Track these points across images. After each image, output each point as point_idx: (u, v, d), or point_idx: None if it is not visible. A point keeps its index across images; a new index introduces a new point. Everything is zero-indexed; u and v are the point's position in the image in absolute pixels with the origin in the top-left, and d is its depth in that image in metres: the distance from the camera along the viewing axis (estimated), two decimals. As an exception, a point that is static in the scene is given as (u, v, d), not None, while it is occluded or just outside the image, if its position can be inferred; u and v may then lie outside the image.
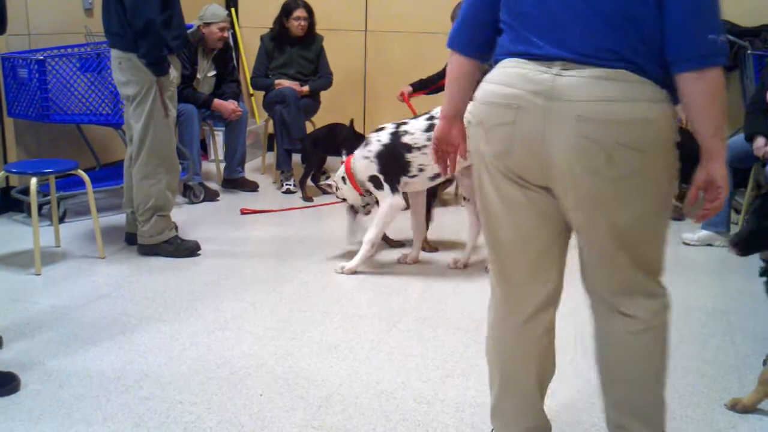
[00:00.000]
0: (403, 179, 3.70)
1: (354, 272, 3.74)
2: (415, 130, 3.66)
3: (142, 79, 3.64)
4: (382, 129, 3.78)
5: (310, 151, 5.13)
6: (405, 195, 3.84)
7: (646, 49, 1.69)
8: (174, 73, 3.76)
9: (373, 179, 3.74)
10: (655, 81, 1.70)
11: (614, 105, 1.69)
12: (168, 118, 3.71)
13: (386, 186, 3.71)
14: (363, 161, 3.75)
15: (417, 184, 3.74)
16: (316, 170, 5.24)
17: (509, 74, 1.79)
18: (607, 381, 2.01)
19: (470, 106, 1.91)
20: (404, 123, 3.73)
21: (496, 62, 1.87)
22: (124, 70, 3.67)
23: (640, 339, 1.90)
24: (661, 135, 1.73)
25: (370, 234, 3.73)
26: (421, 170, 3.66)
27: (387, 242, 4.20)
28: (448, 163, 2.14)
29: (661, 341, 1.93)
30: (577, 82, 1.70)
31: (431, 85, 5.04)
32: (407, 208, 3.92)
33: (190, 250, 3.95)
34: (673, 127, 1.75)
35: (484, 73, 1.93)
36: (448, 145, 2.09)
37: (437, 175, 3.69)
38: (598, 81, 1.69)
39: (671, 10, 1.65)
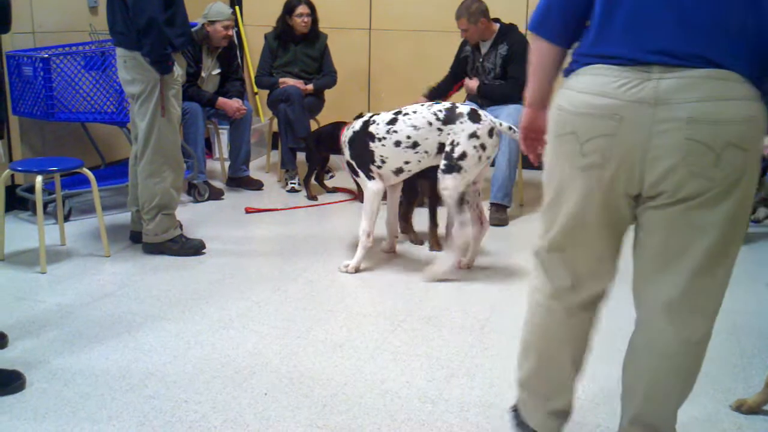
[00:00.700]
0: (373, 168, 3.75)
1: (357, 270, 3.75)
2: (380, 121, 3.71)
3: (147, 78, 3.64)
4: (360, 116, 3.87)
5: (313, 150, 5.13)
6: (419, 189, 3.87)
7: (746, 55, 1.70)
8: (179, 71, 3.76)
9: (348, 165, 3.86)
10: (750, 80, 1.72)
11: (723, 104, 1.69)
12: (165, 117, 3.71)
13: (360, 173, 3.80)
14: (344, 147, 3.88)
15: (384, 176, 3.77)
16: (319, 169, 5.24)
17: (604, 83, 1.76)
18: (630, 393, 2.03)
19: (555, 114, 1.88)
20: (377, 114, 3.79)
21: (578, 62, 1.84)
22: (129, 69, 3.68)
23: (677, 360, 1.92)
24: (761, 133, 1.74)
25: (362, 224, 3.76)
26: (383, 161, 3.70)
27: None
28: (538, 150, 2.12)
29: (695, 367, 1.96)
30: (682, 83, 1.69)
31: (447, 92, 5.03)
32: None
33: (195, 248, 3.96)
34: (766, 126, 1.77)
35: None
36: (536, 132, 2.08)
37: (399, 170, 3.72)
38: (701, 81, 1.69)
39: None
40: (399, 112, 3.72)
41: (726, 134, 1.69)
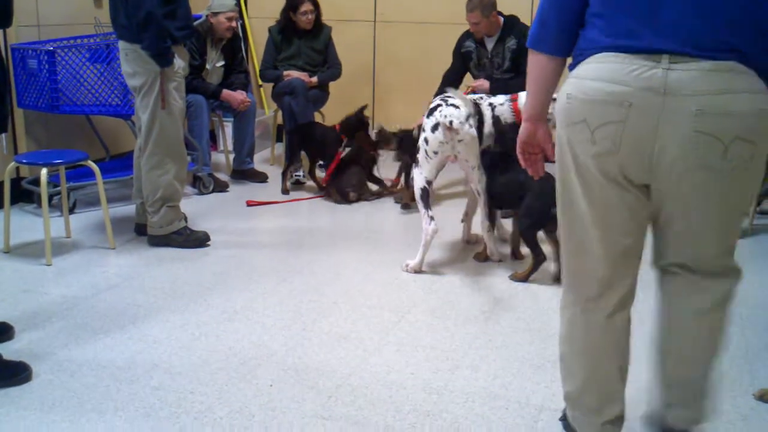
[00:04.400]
0: None
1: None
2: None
3: (148, 70, 3.64)
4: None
5: (294, 144, 5.08)
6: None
7: (762, 43, 1.70)
8: (181, 64, 3.75)
9: None
10: (758, 72, 1.72)
11: (732, 97, 1.69)
12: (166, 109, 3.71)
13: None
14: None
15: None
16: (311, 165, 5.18)
17: (614, 70, 1.75)
18: (666, 365, 2.03)
19: (564, 103, 1.86)
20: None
21: (582, 55, 1.83)
22: (131, 62, 3.68)
23: (706, 320, 1.94)
24: None
25: None
26: None
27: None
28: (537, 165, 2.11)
29: (724, 325, 1.98)
30: (691, 75, 1.69)
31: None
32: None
33: (200, 240, 3.96)
34: None
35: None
36: (534, 147, 2.06)
37: None
38: (712, 74, 1.69)
39: None
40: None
41: (735, 127, 1.69)
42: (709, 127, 1.69)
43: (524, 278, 3.53)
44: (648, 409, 2.15)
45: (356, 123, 4.91)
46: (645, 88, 1.72)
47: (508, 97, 3.92)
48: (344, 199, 4.82)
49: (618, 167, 1.81)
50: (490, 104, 3.88)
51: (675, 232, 1.89)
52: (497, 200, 3.77)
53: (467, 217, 4.08)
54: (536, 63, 1.94)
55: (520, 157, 2.11)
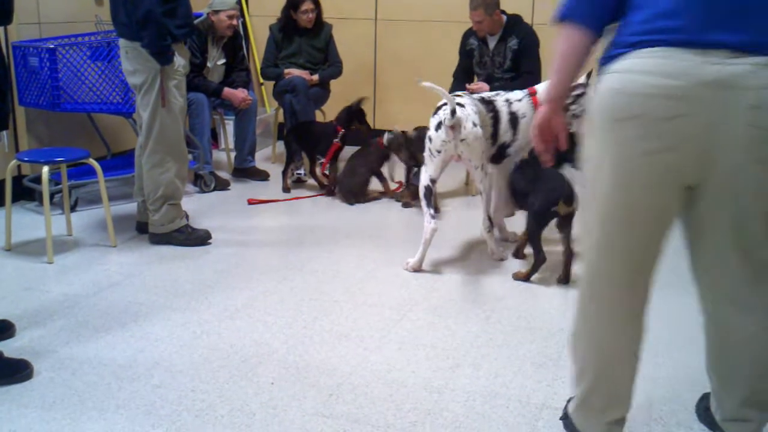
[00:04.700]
0: None
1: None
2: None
3: (149, 68, 3.64)
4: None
5: (292, 143, 5.07)
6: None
7: None
8: (181, 62, 3.75)
9: None
10: None
11: None
12: (166, 108, 3.71)
13: None
14: None
15: None
16: (311, 164, 5.17)
17: (664, 65, 1.71)
18: (731, 378, 2.02)
19: (608, 98, 1.80)
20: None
21: (623, 45, 1.78)
22: (131, 59, 3.68)
23: (758, 343, 1.92)
24: None
25: None
26: None
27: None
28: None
29: None
30: (745, 70, 1.66)
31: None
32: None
33: (201, 238, 3.97)
34: None
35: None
36: (549, 133, 2.00)
37: None
38: (765, 68, 1.66)
39: None
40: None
41: None
42: (764, 122, 1.68)
43: (525, 278, 3.52)
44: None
45: (349, 114, 4.95)
46: (702, 83, 1.68)
47: (525, 91, 3.89)
48: (344, 201, 4.82)
49: (665, 166, 1.76)
50: (507, 100, 3.84)
51: (723, 233, 1.84)
52: (512, 194, 3.83)
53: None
54: (567, 37, 1.87)
55: (535, 141, 2.06)
